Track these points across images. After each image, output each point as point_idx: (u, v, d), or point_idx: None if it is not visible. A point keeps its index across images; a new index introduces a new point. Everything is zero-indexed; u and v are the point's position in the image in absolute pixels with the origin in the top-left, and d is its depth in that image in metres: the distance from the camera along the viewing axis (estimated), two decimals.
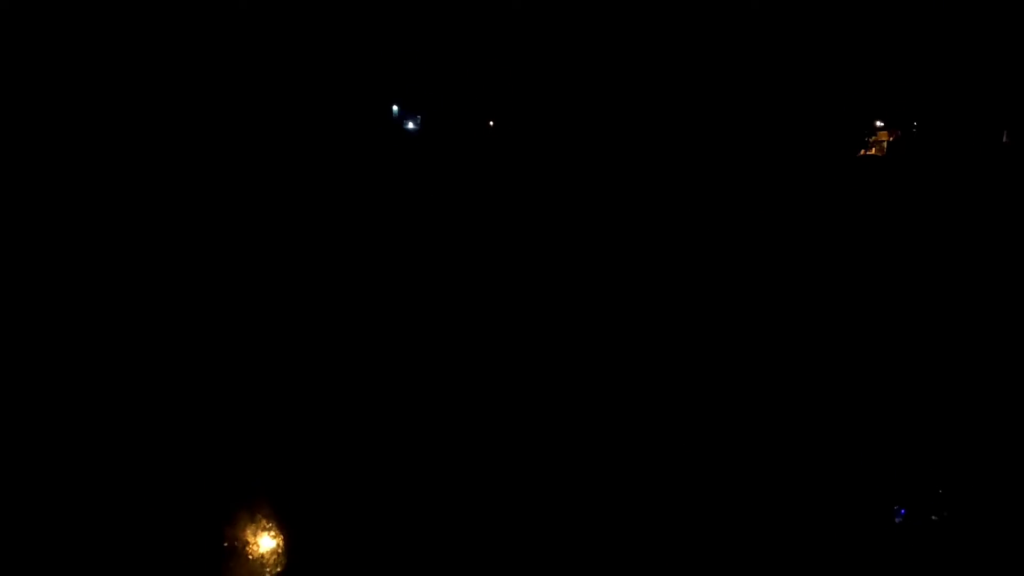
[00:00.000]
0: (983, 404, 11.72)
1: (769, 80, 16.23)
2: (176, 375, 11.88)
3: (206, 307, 13.11)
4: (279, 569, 9.54)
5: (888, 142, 16.52)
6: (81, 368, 11.82)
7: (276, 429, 11.09)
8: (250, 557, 9.65)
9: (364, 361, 12.45)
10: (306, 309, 13.46)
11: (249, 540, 9.79)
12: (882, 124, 16.43)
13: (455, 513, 9.99)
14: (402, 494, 10.21)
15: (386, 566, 9.40)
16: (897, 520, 10.75)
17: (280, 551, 9.71)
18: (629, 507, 10.27)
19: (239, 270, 13.91)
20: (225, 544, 9.63)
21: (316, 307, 13.53)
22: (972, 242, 14.27)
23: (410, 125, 17.62)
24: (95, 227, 13.97)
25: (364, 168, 16.32)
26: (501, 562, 9.39)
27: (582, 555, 9.51)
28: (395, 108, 17.45)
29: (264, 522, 9.88)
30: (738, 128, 16.14)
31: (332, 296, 13.82)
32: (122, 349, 12.26)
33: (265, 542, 9.80)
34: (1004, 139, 15.58)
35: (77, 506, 9.85)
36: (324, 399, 11.66)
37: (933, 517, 10.65)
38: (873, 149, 16.59)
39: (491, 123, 17.57)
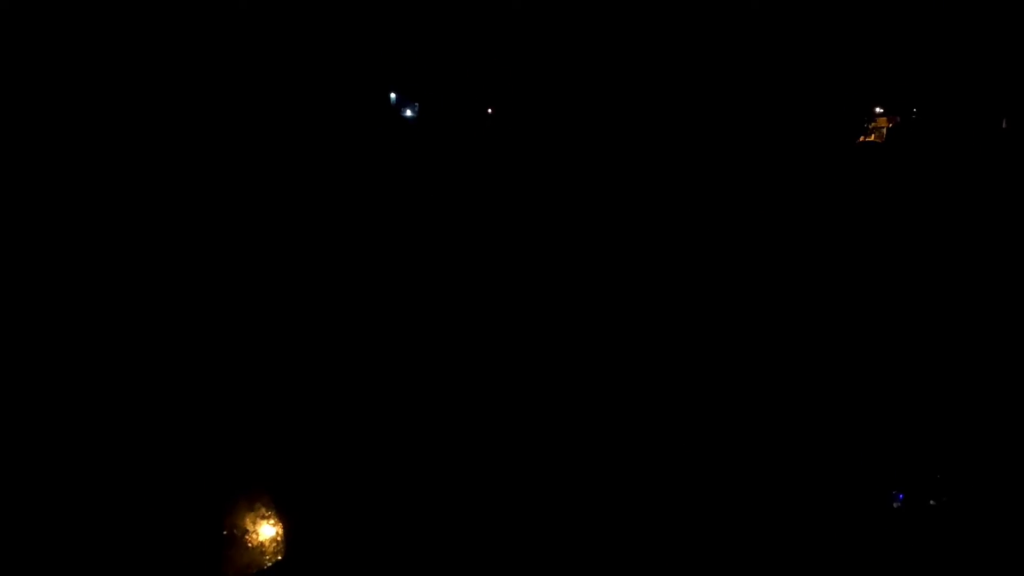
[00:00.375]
0: (980, 390, 11.73)
1: (767, 66, 16.14)
2: (176, 368, 11.85)
3: (203, 299, 13.06)
4: (279, 557, 9.57)
5: (887, 128, 16.43)
6: (85, 362, 11.80)
7: (275, 419, 11.08)
8: (249, 545, 9.70)
9: (362, 353, 12.42)
10: (303, 301, 13.41)
11: (248, 528, 9.84)
12: (881, 110, 16.34)
13: (452, 503, 10.01)
14: (400, 484, 10.23)
15: (384, 554, 9.43)
16: (895, 505, 10.80)
17: (279, 539, 9.75)
18: (627, 491, 10.29)
19: (235, 262, 13.86)
20: (224, 532, 9.66)
21: (313, 299, 13.48)
22: (972, 230, 14.24)
23: (408, 113, 17.50)
24: (90, 222, 13.91)
25: (362, 156, 16.24)
26: (497, 551, 9.41)
27: (579, 548, 9.52)
28: (393, 96, 17.34)
29: (263, 510, 9.93)
30: (736, 114, 16.06)
31: (329, 287, 13.77)
32: (124, 343, 12.23)
33: (264, 530, 9.84)
34: (1004, 125, 15.52)
35: (81, 496, 9.88)
36: (322, 390, 11.64)
37: (931, 502, 10.69)
38: (872, 136, 16.51)
39: (490, 111, 17.46)
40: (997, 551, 9.86)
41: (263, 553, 9.66)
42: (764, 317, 13.45)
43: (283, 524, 9.84)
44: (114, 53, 15.13)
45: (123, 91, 15.17)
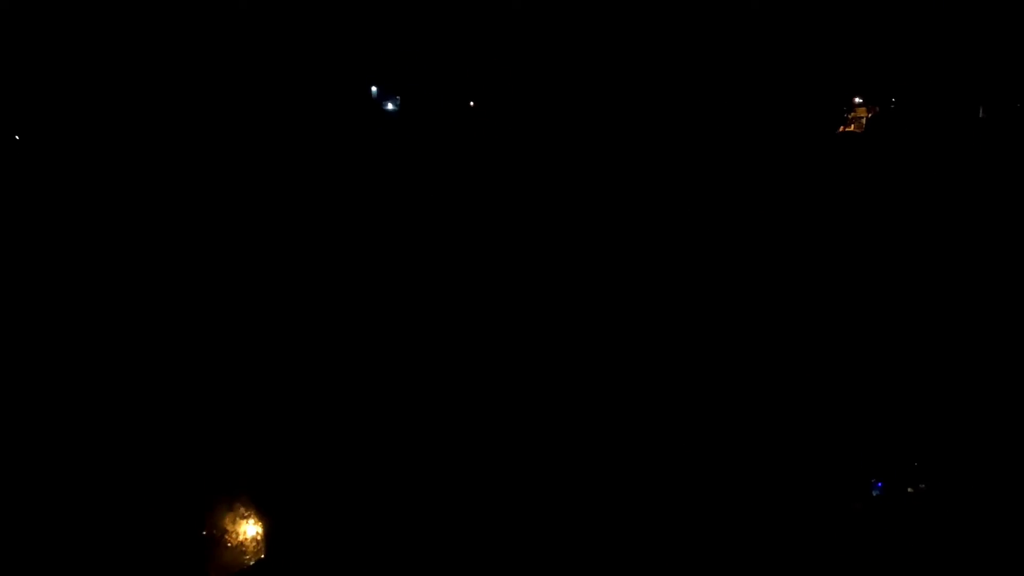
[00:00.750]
0: (955, 380, 11.84)
1: (749, 58, 16.11)
2: (155, 370, 11.74)
3: (181, 303, 12.92)
4: (260, 556, 9.54)
5: (867, 118, 16.46)
6: (69, 363, 11.67)
7: (253, 421, 11.01)
8: (229, 545, 9.67)
9: (338, 351, 12.31)
10: (283, 300, 13.28)
11: (228, 528, 9.80)
12: (861, 100, 16.36)
13: (427, 504, 9.99)
14: (378, 481, 10.21)
15: (363, 551, 9.43)
16: (874, 493, 10.93)
17: (259, 538, 9.73)
18: (607, 474, 10.27)
19: (215, 258, 13.71)
20: (204, 533, 9.62)
21: (293, 297, 13.35)
22: (950, 218, 14.31)
23: (389, 106, 17.35)
24: (77, 221, 13.78)
25: (343, 150, 16.10)
26: (474, 547, 9.41)
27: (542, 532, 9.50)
28: (374, 89, 17.18)
29: (242, 510, 9.89)
30: (718, 105, 16.03)
31: (309, 285, 13.65)
32: (107, 346, 12.10)
33: (244, 530, 9.81)
34: (980, 115, 15.58)
35: (63, 498, 9.80)
36: (299, 391, 11.56)
37: (909, 489, 10.83)
38: (852, 126, 16.53)
39: (471, 103, 17.33)
40: (973, 535, 9.99)
41: (244, 552, 9.64)
42: (743, 304, 13.47)
43: (263, 524, 9.81)
44: (103, 40, 14.97)
45: (108, 80, 15.01)
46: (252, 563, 9.48)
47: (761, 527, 10.06)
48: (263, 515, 9.80)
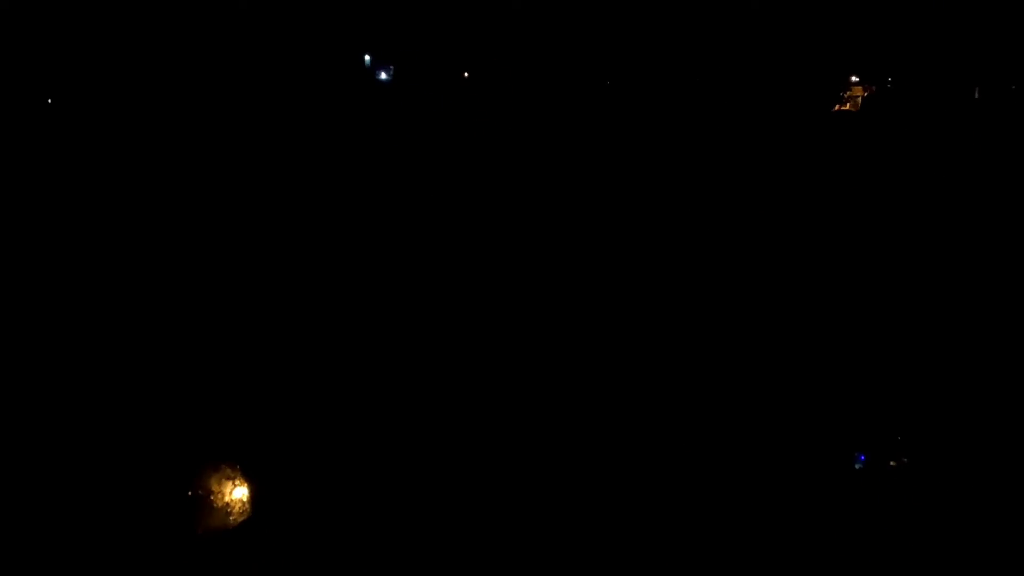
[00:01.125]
0: (940, 352, 11.97)
1: (743, 34, 16.05)
2: (141, 337, 11.72)
3: (166, 273, 12.89)
4: (245, 517, 9.60)
5: (863, 98, 16.47)
6: (53, 337, 11.62)
7: (241, 382, 11.04)
8: (215, 506, 9.72)
9: (325, 321, 12.32)
10: (270, 273, 13.26)
11: (214, 490, 9.85)
12: (857, 79, 16.36)
13: (415, 467, 10.06)
14: (364, 447, 10.28)
15: (350, 513, 9.50)
16: (857, 466, 11.06)
17: (245, 500, 9.78)
18: (586, 464, 10.35)
19: (203, 235, 13.67)
20: (189, 494, 9.66)
21: (281, 271, 13.33)
22: (945, 201, 14.39)
23: (382, 76, 17.27)
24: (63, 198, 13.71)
25: (335, 120, 16.01)
26: (462, 519, 9.47)
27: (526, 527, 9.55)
28: (367, 58, 17.07)
29: (228, 471, 9.93)
30: (709, 80, 15.99)
31: (298, 260, 13.62)
32: (93, 319, 12.05)
33: (229, 491, 9.86)
34: (976, 96, 15.61)
35: (43, 459, 9.80)
36: (286, 353, 11.59)
37: (892, 463, 10.96)
38: (847, 105, 16.54)
39: (466, 74, 17.28)
40: (955, 510, 10.14)
41: (230, 513, 9.68)
42: (731, 281, 13.53)
43: (249, 485, 9.86)
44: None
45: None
46: (238, 524, 9.54)
47: (742, 498, 10.17)
48: (250, 476, 9.85)
